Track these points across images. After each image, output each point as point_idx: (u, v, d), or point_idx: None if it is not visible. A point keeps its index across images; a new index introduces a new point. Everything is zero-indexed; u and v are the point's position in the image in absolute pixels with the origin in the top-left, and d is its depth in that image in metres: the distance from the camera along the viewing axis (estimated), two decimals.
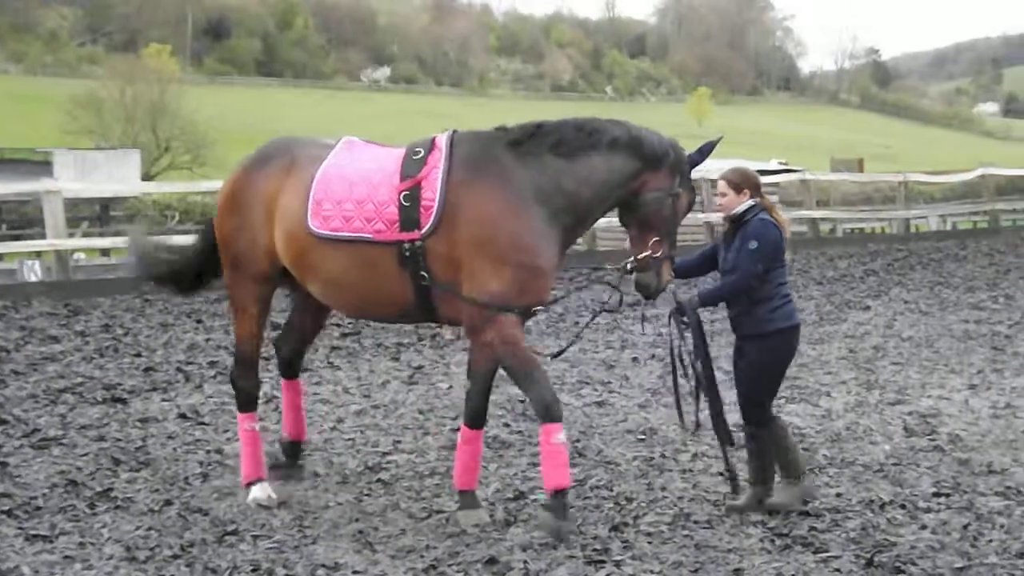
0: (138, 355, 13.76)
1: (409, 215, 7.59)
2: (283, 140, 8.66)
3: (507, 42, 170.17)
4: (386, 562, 7.15)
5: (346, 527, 7.82)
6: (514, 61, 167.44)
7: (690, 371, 8.25)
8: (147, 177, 60.39)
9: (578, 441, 9.88)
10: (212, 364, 13.26)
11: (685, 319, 8.12)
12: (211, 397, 11.73)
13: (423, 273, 7.62)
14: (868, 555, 7.11)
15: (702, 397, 8.22)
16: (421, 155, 7.75)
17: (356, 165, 7.91)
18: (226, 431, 10.32)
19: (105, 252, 31.19)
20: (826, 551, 7.23)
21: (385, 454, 9.65)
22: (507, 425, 10.60)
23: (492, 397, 11.31)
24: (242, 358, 8.55)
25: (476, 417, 8.10)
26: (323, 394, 11.90)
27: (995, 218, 33.39)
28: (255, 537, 7.58)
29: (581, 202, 7.73)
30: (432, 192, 7.57)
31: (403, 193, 7.62)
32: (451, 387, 12.17)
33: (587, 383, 12.36)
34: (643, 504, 8.20)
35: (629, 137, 7.74)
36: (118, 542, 7.49)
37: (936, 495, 8.40)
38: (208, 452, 9.70)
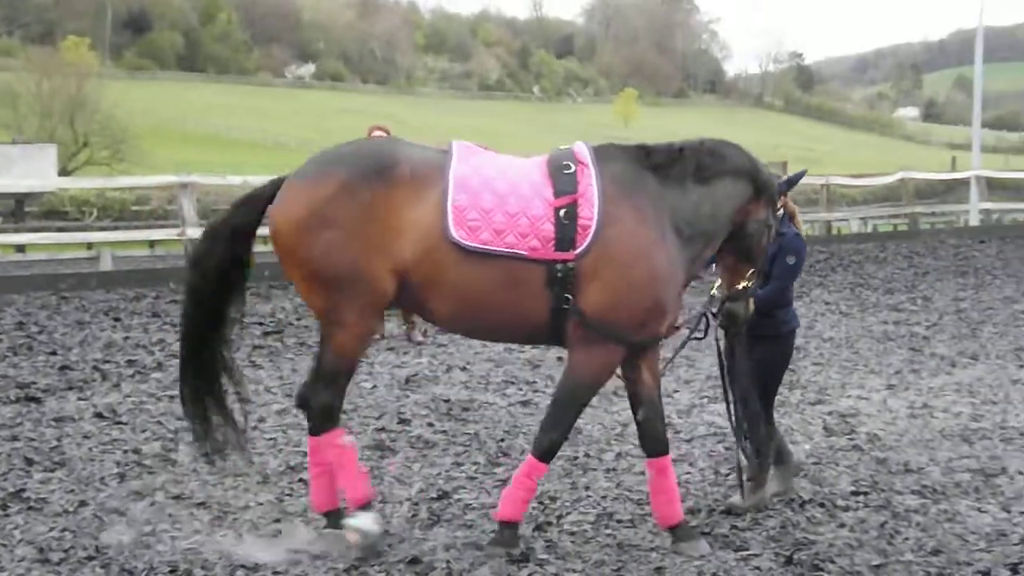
0: (53, 353, 13.54)
1: (566, 234, 7.06)
2: (377, 144, 7.50)
3: (434, 40, 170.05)
4: (307, 562, 7.07)
5: (266, 527, 7.74)
6: (441, 59, 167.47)
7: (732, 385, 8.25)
8: (64, 172, 59.35)
9: (503, 440, 9.85)
10: (130, 363, 13.07)
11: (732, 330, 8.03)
12: (129, 396, 11.55)
13: (567, 295, 7.15)
14: (787, 553, 7.17)
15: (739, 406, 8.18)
16: (572, 170, 7.25)
17: (497, 173, 7.24)
18: (144, 431, 10.19)
19: (20, 248, 30.51)
20: (746, 549, 7.30)
21: (307, 454, 9.53)
22: (431, 425, 10.55)
23: (415, 397, 11.33)
24: (334, 372, 7.45)
25: (660, 443, 7.59)
26: (244, 393, 11.74)
27: (914, 221, 33.72)
28: (173, 538, 7.48)
29: (709, 231, 7.46)
30: (590, 211, 7.10)
31: (561, 210, 7.12)
32: (375, 387, 12.09)
33: (512, 382, 12.34)
34: (567, 503, 8.20)
35: (750, 164, 7.55)
36: (31, 543, 7.36)
37: (854, 494, 8.49)
38: (125, 452, 9.53)
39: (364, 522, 7.16)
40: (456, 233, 6.96)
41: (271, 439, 10.02)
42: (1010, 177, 45.00)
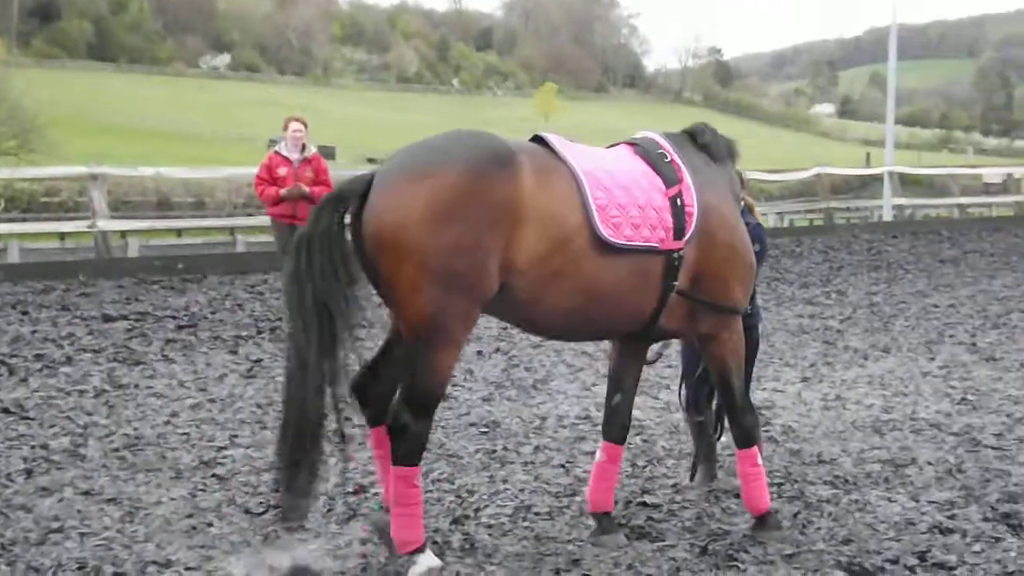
0: None
1: (679, 223, 7.04)
2: (481, 134, 6.86)
3: (351, 31, 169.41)
4: (220, 558, 7.00)
5: (179, 523, 7.65)
6: (359, 51, 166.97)
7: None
8: None
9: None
10: (38, 357, 12.88)
11: None
12: (37, 391, 11.38)
13: (673, 283, 7.07)
14: (703, 544, 7.19)
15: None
16: (668, 159, 7.23)
17: (613, 167, 7.04)
18: (52, 426, 10.06)
19: None
20: (662, 540, 7.31)
21: (221, 449, 9.47)
22: (348, 419, 10.45)
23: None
24: (428, 394, 6.71)
25: (624, 430, 7.60)
26: (157, 388, 11.65)
27: (829, 216, 34.00)
28: (82, 535, 7.37)
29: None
30: (690, 198, 7.10)
31: (675, 199, 7.08)
32: None
33: None
34: (484, 496, 8.18)
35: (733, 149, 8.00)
36: None
37: (769, 484, 8.49)
38: (32, 448, 9.39)
39: (429, 560, 6.69)
40: (605, 231, 6.70)
41: (184, 434, 9.91)
42: (923, 173, 45.65)
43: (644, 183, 7.04)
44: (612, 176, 6.91)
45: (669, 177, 7.13)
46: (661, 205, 7.00)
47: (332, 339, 6.77)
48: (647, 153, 7.27)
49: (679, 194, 7.09)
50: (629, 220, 6.83)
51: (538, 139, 7.10)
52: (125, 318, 15.41)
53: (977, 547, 7.17)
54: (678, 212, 7.04)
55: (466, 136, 6.82)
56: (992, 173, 49.96)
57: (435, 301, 6.43)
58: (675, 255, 7.01)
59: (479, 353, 13.52)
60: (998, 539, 7.31)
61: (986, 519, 7.70)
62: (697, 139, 7.62)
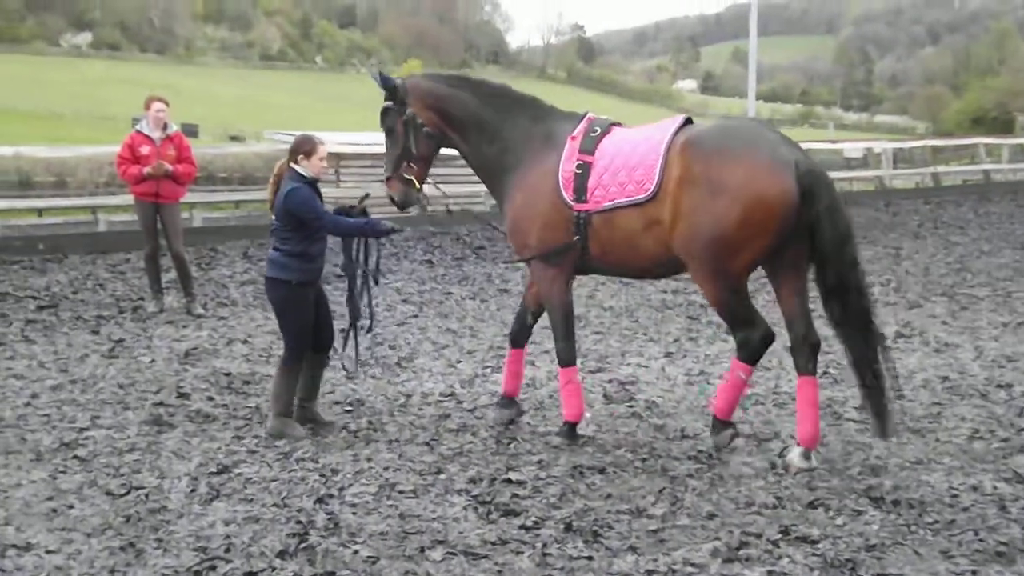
0: None
1: None
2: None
3: (213, 9, 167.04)
4: (80, 540, 6.94)
5: (39, 505, 7.56)
6: (220, 29, 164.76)
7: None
8: None
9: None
10: None
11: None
12: None
13: None
14: (568, 520, 7.25)
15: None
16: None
17: None
18: None
19: None
20: (528, 517, 7.35)
21: (83, 430, 9.37)
22: (211, 399, 10.42)
23: (195, 371, 11.18)
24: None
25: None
26: (17, 369, 11.47)
27: None
28: None
29: None
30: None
31: None
32: (153, 360, 11.90)
33: None
34: (348, 475, 8.18)
35: None
36: None
37: (633, 460, 8.62)
38: None
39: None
40: None
41: (45, 415, 9.79)
42: None
43: None
44: None
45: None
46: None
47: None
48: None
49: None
50: None
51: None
52: None
53: (840, 520, 7.33)
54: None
55: (763, 127, 8.95)
56: (852, 148, 50.64)
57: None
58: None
59: (342, 331, 13.48)
60: (860, 512, 7.48)
61: (848, 492, 7.86)
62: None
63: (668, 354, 12.59)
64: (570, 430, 9.22)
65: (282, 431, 9.09)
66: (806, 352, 8.58)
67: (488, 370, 11.66)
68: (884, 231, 25.32)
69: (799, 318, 8.69)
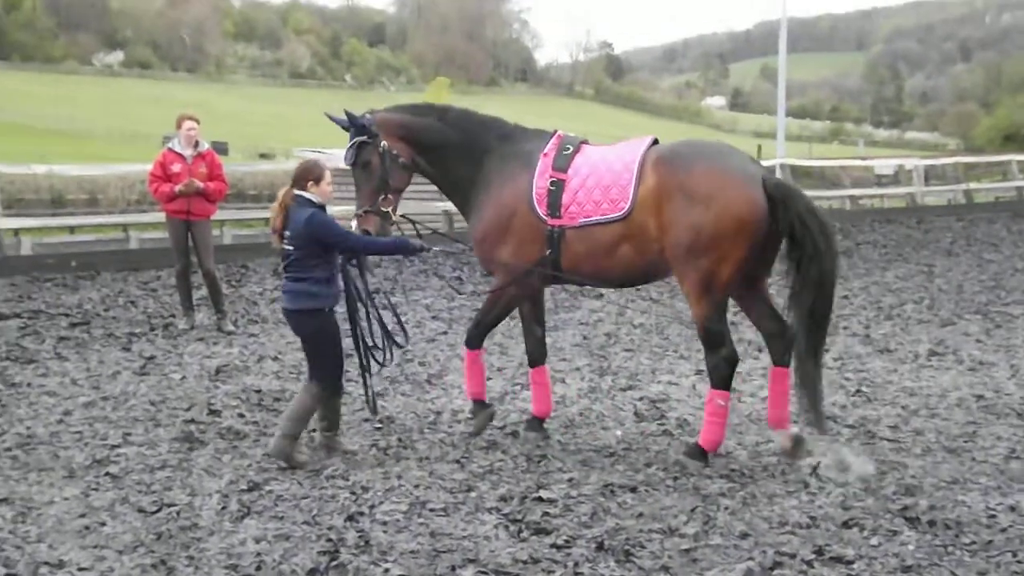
0: None
1: None
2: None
3: (244, 28, 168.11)
4: (113, 557, 6.93)
5: (72, 523, 7.56)
6: (251, 47, 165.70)
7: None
8: None
9: (314, 430, 9.76)
10: None
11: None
12: None
13: None
14: (599, 539, 7.20)
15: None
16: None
17: None
18: None
19: None
20: (559, 536, 7.30)
21: (114, 447, 9.38)
22: (242, 416, 10.42)
23: (226, 387, 11.18)
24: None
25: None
26: (50, 386, 11.50)
27: None
28: None
29: None
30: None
31: None
32: (184, 378, 11.91)
33: None
34: (379, 493, 8.14)
35: None
36: None
37: (665, 479, 8.57)
38: None
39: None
40: None
41: (77, 432, 9.81)
42: (814, 165, 46.11)
43: None
44: None
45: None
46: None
47: None
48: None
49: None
50: None
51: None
52: (18, 316, 15.20)
53: (875, 540, 7.25)
54: None
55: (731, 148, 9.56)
56: (883, 165, 50.52)
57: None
58: None
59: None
60: (895, 532, 7.40)
61: (883, 512, 7.78)
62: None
63: (699, 371, 12.50)
64: (478, 408, 9.92)
65: (289, 454, 8.85)
66: (782, 344, 9.15)
67: (518, 387, 11.63)
68: (916, 248, 25.17)
69: (771, 316, 9.32)
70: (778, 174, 34.99)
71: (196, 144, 14.64)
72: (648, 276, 9.56)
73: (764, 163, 43.19)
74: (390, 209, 9.47)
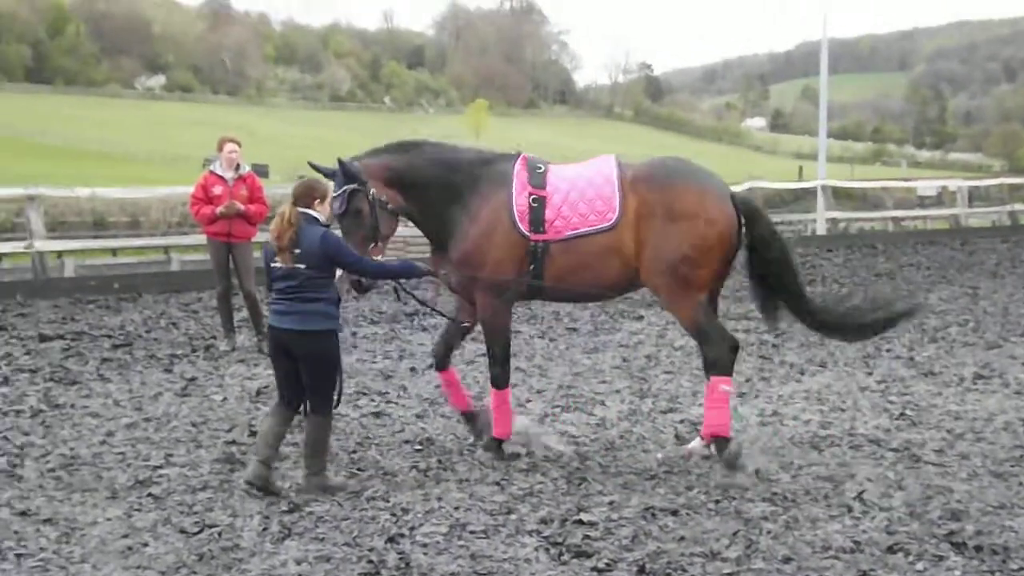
0: None
1: None
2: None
3: (284, 52, 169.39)
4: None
5: (114, 543, 7.58)
6: (292, 71, 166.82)
7: None
8: None
9: (354, 452, 9.78)
10: None
11: None
12: None
13: None
14: (640, 563, 7.15)
15: None
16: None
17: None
18: None
19: None
20: (600, 559, 7.26)
21: (156, 468, 9.40)
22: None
23: (267, 409, 11.20)
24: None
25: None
26: (93, 407, 11.55)
27: None
28: (18, 556, 7.30)
29: None
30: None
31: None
32: (225, 399, 11.95)
33: (364, 393, 12.24)
34: (419, 515, 8.11)
35: None
36: None
37: (707, 502, 8.52)
38: None
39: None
40: None
41: (120, 453, 9.83)
42: (856, 187, 45.87)
43: None
44: None
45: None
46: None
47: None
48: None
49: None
50: None
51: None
52: (61, 337, 15.31)
53: (920, 566, 7.17)
54: None
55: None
56: (926, 186, 50.25)
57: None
58: None
59: (412, 370, 13.51)
60: (941, 558, 7.32)
61: (928, 537, 7.70)
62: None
63: (740, 394, 12.41)
64: (497, 446, 9.85)
65: (323, 486, 8.71)
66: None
67: (558, 409, 11.59)
68: (960, 270, 24.97)
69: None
70: (819, 196, 35.09)
71: (237, 167, 14.70)
72: (620, 289, 10.02)
73: (805, 185, 43.22)
74: (379, 257, 9.42)
